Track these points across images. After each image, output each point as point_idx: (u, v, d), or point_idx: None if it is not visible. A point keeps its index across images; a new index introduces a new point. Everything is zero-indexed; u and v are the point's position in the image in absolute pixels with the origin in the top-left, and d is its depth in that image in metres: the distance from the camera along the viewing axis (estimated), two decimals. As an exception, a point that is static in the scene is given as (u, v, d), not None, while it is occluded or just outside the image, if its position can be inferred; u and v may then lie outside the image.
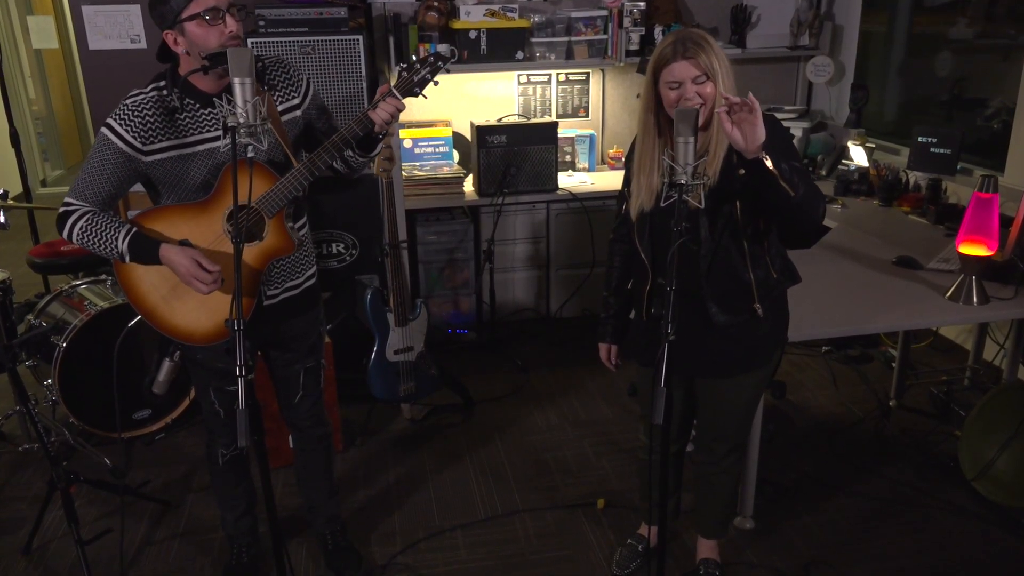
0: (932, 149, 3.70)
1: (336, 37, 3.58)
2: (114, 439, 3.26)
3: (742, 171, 1.93)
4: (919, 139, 3.72)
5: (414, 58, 2.12)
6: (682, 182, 1.74)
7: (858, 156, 4.09)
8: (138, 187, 2.19)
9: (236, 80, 1.75)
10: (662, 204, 1.91)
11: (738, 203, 1.98)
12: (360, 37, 3.61)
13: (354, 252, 3.80)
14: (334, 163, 2.24)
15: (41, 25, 7.06)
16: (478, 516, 2.87)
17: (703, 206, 1.89)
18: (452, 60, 2.18)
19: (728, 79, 1.92)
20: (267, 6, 3.60)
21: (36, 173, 7.28)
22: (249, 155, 1.81)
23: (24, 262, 3.76)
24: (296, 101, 2.18)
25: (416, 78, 2.10)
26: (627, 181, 2.16)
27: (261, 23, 3.56)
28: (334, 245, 3.79)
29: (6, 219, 3.03)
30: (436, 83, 2.16)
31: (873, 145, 4.12)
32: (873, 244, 3.18)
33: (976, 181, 2.62)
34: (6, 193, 3.05)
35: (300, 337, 2.35)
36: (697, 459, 2.43)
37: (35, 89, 7.55)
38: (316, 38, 3.57)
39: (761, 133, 1.77)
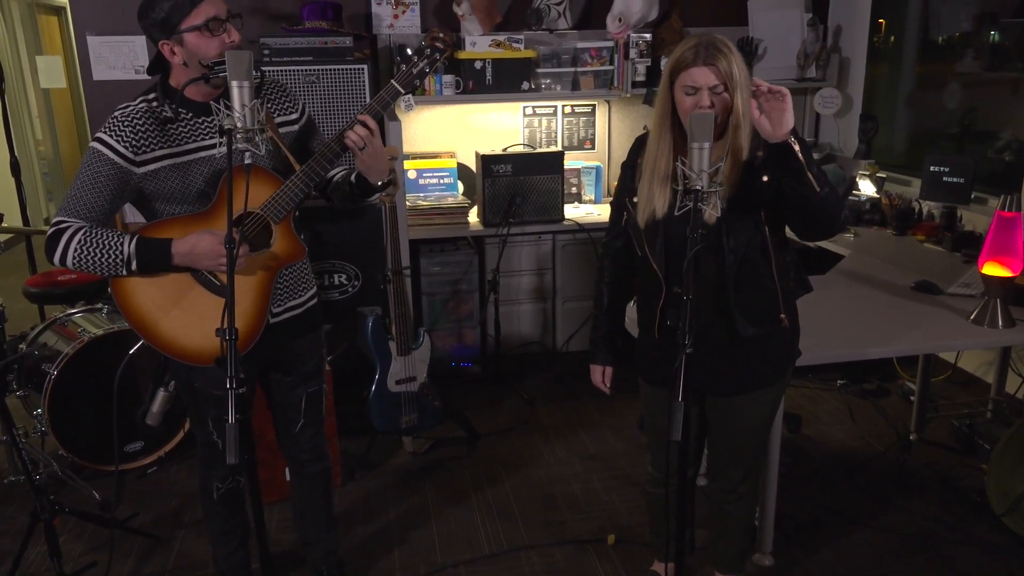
0: (945, 178, 3.64)
1: (341, 66, 3.56)
2: (104, 472, 3.14)
3: (766, 177, 1.86)
4: (931, 168, 3.66)
5: (409, 51, 2.05)
6: (698, 188, 1.67)
7: (867, 189, 4.03)
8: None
9: (234, 83, 1.69)
10: (676, 213, 1.84)
11: (763, 212, 1.90)
12: (365, 67, 3.59)
13: (356, 284, 3.71)
14: (327, 187, 2.18)
15: (50, 65, 7.11)
16: (483, 552, 2.73)
17: (719, 214, 1.82)
18: (447, 50, 2.10)
19: (746, 92, 1.86)
20: (272, 35, 3.60)
21: (40, 211, 7.26)
22: (247, 162, 1.74)
23: (23, 297, 3.67)
24: (294, 116, 2.13)
25: (415, 71, 2.02)
26: (625, 190, 2.07)
27: (266, 52, 3.54)
28: (336, 276, 3.71)
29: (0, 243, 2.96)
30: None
31: (884, 175, 4.06)
32: (890, 270, 3.10)
33: (991, 209, 2.55)
34: (1, 216, 2.99)
35: (302, 358, 2.25)
36: (711, 488, 2.30)
37: (42, 129, 7.58)
38: (321, 67, 3.56)
39: (790, 119, 1.73)
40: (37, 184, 7.30)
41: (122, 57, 3.94)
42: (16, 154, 4.01)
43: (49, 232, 1.89)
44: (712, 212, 1.80)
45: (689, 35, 1.94)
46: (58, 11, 7.84)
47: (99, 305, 3.41)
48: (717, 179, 1.76)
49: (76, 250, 1.88)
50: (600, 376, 2.26)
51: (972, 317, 2.56)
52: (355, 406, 3.25)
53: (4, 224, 3.01)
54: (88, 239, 1.88)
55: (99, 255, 1.88)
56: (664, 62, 4.16)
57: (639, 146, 2.08)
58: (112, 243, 1.88)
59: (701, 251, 1.71)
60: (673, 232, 1.96)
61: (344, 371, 3.32)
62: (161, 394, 3.07)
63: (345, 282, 3.73)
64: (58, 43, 7.93)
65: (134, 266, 1.89)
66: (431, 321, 4.11)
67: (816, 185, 1.77)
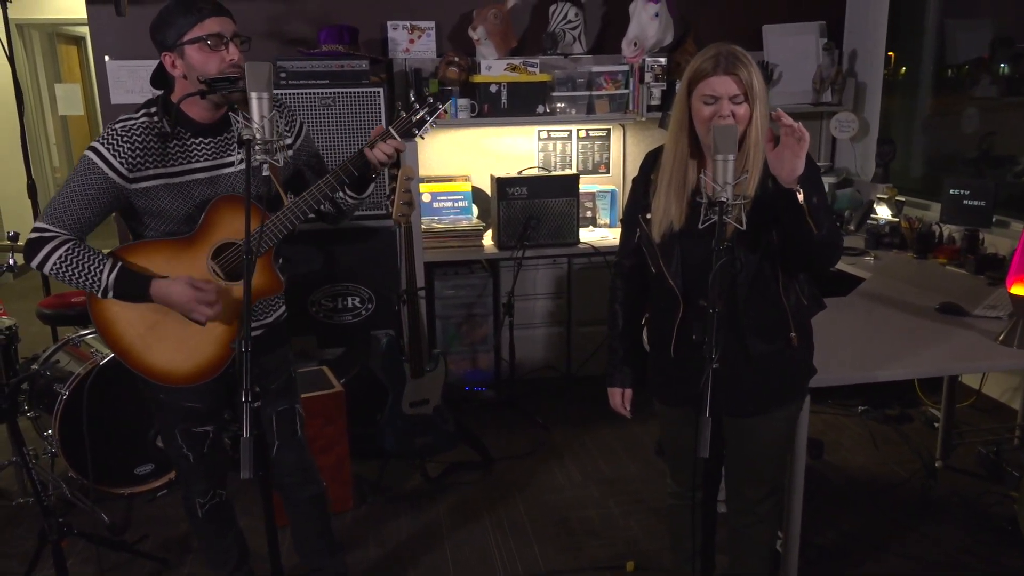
0: (965, 201, 3.60)
1: (357, 89, 3.57)
2: (115, 495, 3.10)
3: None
4: (951, 191, 3.62)
5: (412, 98, 2.06)
6: (723, 199, 1.64)
7: (884, 213, 3.99)
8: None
9: (253, 94, 1.68)
10: (700, 226, 1.80)
11: (775, 229, 1.87)
12: (381, 90, 3.60)
13: (370, 306, 3.69)
14: (321, 206, 2.16)
15: (68, 93, 7.20)
16: (498, 578, 2.68)
17: (744, 227, 1.79)
18: (448, 103, 2.11)
19: (764, 104, 1.84)
20: (289, 58, 3.61)
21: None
22: (264, 173, 1.73)
23: (37, 320, 3.65)
24: (288, 141, 2.11)
25: (415, 119, 2.04)
26: (638, 206, 2.04)
27: (282, 75, 3.56)
28: (349, 299, 3.70)
29: (15, 262, 2.96)
30: (432, 124, 2.09)
31: (903, 199, 4.02)
32: (913, 292, 3.05)
33: (1014, 232, 2.50)
34: (16, 235, 2.99)
35: (268, 375, 2.18)
36: (730, 510, 2.23)
37: (59, 156, 7.66)
38: (337, 90, 3.57)
39: (801, 165, 1.71)
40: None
41: (140, 81, 3.96)
42: (33, 176, 4.02)
43: (30, 237, 1.89)
44: (736, 225, 1.77)
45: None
46: (78, 41, 7.96)
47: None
48: (741, 191, 1.73)
49: (56, 263, 1.88)
50: (619, 399, 2.20)
51: (1000, 338, 2.50)
52: (368, 429, 3.21)
53: (20, 243, 3.00)
54: (70, 256, 1.88)
55: (77, 275, 1.88)
56: (679, 86, 4.17)
57: (652, 160, 2.05)
58: (93, 267, 1.88)
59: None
60: (690, 247, 1.92)
61: (357, 394, 3.28)
62: (173, 415, 3.04)
63: (358, 304, 3.71)
64: (77, 72, 8.04)
65: (110, 295, 1.90)
66: (445, 345, 4.07)
67: (814, 227, 1.75)
